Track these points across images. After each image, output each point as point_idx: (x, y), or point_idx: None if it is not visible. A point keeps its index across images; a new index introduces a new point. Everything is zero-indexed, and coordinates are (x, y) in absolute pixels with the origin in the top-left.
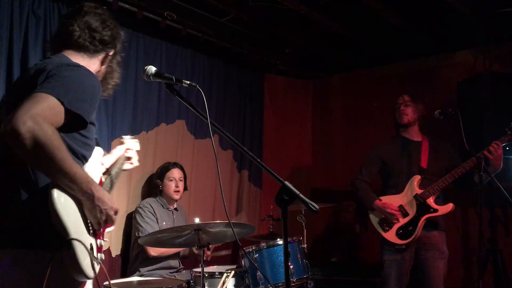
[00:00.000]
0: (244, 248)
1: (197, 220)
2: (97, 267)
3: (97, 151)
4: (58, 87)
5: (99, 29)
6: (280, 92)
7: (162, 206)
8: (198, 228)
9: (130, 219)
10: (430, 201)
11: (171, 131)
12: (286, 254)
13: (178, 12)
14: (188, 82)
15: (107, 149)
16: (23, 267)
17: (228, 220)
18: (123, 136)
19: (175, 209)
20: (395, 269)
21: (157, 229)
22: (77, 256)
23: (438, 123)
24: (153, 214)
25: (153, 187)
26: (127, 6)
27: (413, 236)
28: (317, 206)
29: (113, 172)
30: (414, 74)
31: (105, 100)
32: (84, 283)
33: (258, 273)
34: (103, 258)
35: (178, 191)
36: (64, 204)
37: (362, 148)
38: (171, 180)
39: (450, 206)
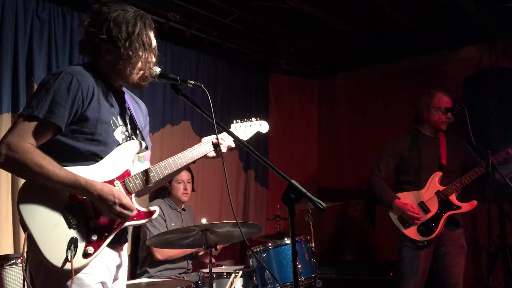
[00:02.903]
0: (252, 248)
1: (204, 221)
2: (80, 260)
3: (127, 145)
4: (31, 103)
5: None
6: (286, 92)
7: (171, 207)
8: (205, 229)
9: None
10: (453, 198)
11: (177, 132)
12: (294, 253)
13: (182, 13)
14: (193, 82)
15: None
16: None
17: (236, 220)
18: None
19: (183, 209)
20: (416, 266)
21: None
22: (39, 248)
23: None
24: (161, 217)
25: (160, 188)
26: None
27: (436, 233)
28: (324, 205)
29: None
30: (420, 71)
31: None
32: (70, 278)
33: (266, 272)
34: (91, 251)
35: (186, 193)
36: (30, 201)
37: (369, 145)
38: (180, 183)
39: (474, 204)
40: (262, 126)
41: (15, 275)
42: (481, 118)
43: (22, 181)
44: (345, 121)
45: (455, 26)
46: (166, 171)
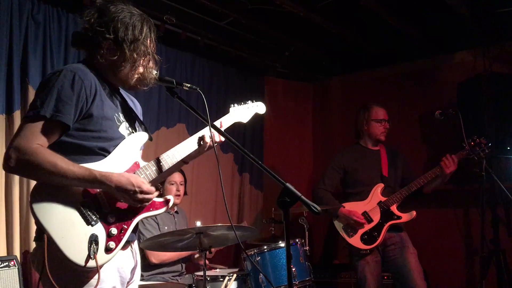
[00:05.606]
0: (246, 251)
1: (198, 224)
2: (103, 256)
3: (133, 137)
4: (36, 103)
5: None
6: (280, 95)
7: None
8: (199, 232)
9: None
10: (394, 208)
11: (172, 135)
12: (288, 257)
13: (178, 16)
14: (189, 85)
15: None
16: (35, 259)
17: (230, 223)
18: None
19: (176, 212)
20: (369, 271)
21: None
22: (60, 248)
23: (438, 123)
24: (154, 220)
25: None
26: None
27: (378, 241)
28: (319, 208)
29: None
30: (414, 75)
31: None
32: (93, 272)
33: (261, 276)
34: (113, 246)
35: (179, 195)
36: (44, 202)
37: None
38: (172, 184)
39: (413, 214)
40: (259, 107)
41: (8, 278)
42: (474, 122)
43: (16, 183)
44: (340, 125)
45: (449, 31)
46: (175, 159)
